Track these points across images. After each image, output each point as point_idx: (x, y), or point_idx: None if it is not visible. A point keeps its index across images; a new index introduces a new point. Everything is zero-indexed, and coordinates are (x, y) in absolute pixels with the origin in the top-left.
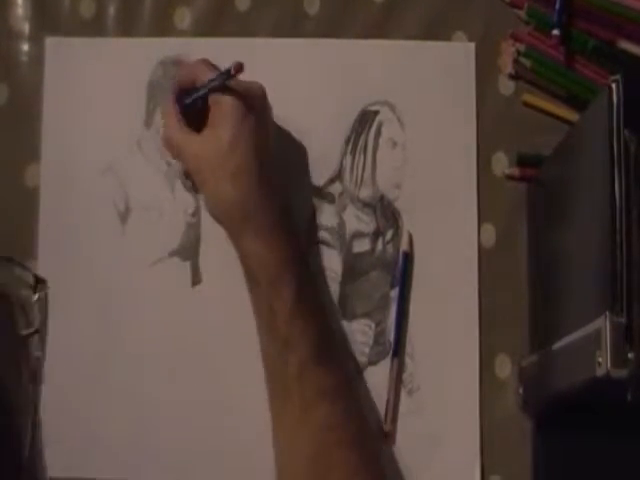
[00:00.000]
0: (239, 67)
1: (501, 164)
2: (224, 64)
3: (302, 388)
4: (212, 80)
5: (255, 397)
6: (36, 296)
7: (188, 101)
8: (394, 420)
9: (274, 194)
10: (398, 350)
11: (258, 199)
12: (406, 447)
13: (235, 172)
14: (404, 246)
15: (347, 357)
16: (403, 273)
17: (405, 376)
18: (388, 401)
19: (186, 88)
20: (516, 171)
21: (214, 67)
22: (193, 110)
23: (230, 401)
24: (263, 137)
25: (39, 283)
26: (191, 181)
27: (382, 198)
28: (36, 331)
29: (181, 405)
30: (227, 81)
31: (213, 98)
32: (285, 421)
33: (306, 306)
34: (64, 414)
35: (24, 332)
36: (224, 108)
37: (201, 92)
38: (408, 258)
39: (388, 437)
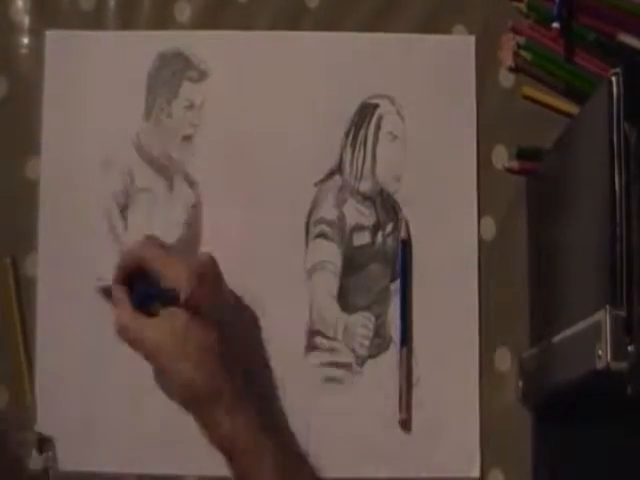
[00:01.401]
0: (187, 297)
1: (501, 157)
2: (224, 57)
3: None
4: (162, 292)
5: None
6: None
7: (139, 295)
8: (409, 408)
9: (237, 363)
10: (406, 339)
11: (224, 373)
12: (406, 440)
13: (195, 352)
14: (402, 234)
15: None
16: (402, 261)
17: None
18: (401, 389)
19: (134, 272)
20: (516, 164)
21: (159, 243)
22: (144, 297)
23: None
24: (218, 309)
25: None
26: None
27: (382, 191)
28: None
29: None
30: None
31: (170, 277)
32: None
33: (283, 475)
34: (62, 407)
35: None
36: (180, 284)
37: (152, 291)
38: (407, 247)
39: (404, 425)
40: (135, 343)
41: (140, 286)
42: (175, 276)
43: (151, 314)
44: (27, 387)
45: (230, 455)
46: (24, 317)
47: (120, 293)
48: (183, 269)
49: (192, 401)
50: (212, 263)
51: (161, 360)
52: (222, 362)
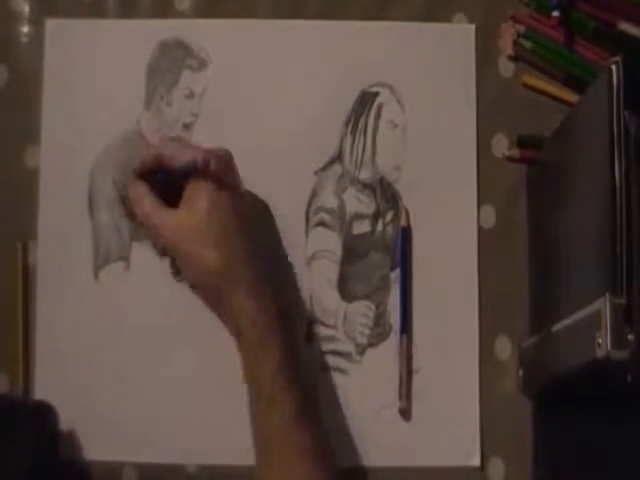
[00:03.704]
0: (206, 163)
1: (501, 146)
2: (224, 45)
3: (284, 447)
4: (181, 172)
5: None
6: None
7: (159, 184)
8: (409, 396)
9: (259, 250)
10: (406, 327)
11: (246, 259)
12: (406, 428)
13: (218, 237)
14: (402, 222)
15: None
16: (402, 250)
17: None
18: (401, 378)
19: (152, 168)
20: (516, 153)
21: (175, 139)
22: (163, 189)
23: (230, 378)
24: (238, 197)
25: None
26: (170, 261)
27: (382, 180)
28: None
29: (180, 384)
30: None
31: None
32: (268, 475)
33: (291, 364)
34: (60, 396)
35: None
36: (197, 181)
37: (172, 177)
38: (407, 235)
39: (404, 413)
40: (158, 234)
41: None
42: (192, 155)
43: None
44: (22, 375)
45: (246, 339)
46: (28, 304)
47: (141, 187)
48: (199, 149)
49: (213, 286)
50: (228, 154)
51: (183, 247)
52: (245, 247)
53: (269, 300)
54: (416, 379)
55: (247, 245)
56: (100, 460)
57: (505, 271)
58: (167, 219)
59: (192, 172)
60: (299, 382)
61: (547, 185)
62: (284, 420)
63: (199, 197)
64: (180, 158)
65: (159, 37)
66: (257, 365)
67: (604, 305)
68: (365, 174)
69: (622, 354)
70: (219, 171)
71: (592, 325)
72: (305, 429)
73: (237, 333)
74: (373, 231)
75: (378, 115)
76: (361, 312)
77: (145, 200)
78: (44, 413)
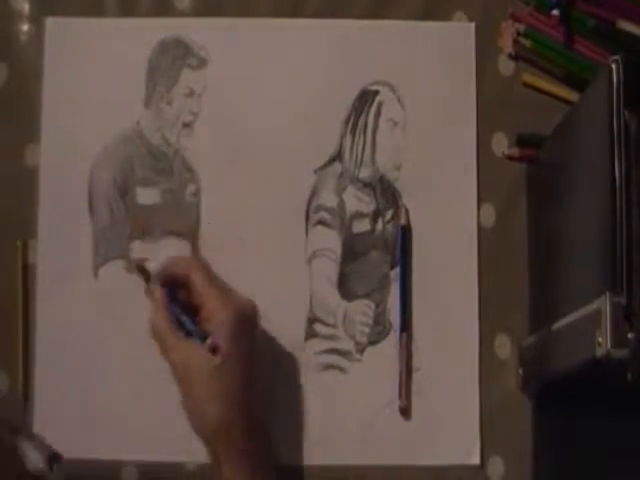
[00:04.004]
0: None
1: (501, 144)
2: (224, 44)
3: None
4: (195, 329)
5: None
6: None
7: (175, 310)
8: (408, 395)
9: (255, 414)
10: (406, 326)
11: (243, 423)
12: (406, 427)
13: (222, 394)
14: (402, 221)
15: None
16: (402, 249)
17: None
18: (401, 377)
19: (177, 282)
20: (516, 151)
21: (208, 268)
22: (182, 308)
23: None
24: (250, 358)
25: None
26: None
27: (382, 178)
28: None
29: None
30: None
31: (209, 310)
32: None
33: None
34: (60, 395)
35: None
36: (218, 325)
37: (187, 322)
38: (406, 233)
39: (403, 412)
40: (164, 353)
41: (181, 298)
42: (212, 313)
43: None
44: (21, 373)
45: None
46: (27, 302)
47: (160, 294)
48: (222, 310)
49: (210, 437)
50: (255, 314)
51: (187, 387)
52: (245, 411)
53: (260, 470)
54: (416, 377)
55: (248, 407)
56: (100, 459)
57: (505, 270)
58: (177, 345)
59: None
60: None
61: (547, 184)
62: None
63: (219, 336)
64: (204, 302)
65: (159, 36)
66: None
67: (604, 304)
68: (365, 173)
69: (622, 353)
70: (229, 352)
71: (592, 324)
72: None
73: None
74: (373, 230)
75: (378, 114)
76: (361, 311)
77: (160, 310)
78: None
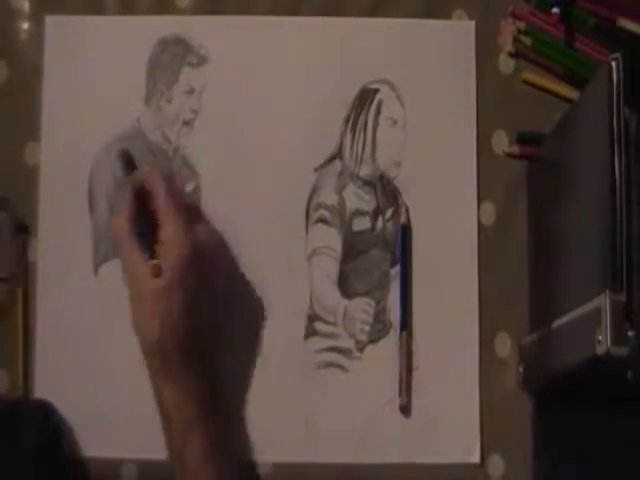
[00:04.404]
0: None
1: (501, 142)
2: (224, 42)
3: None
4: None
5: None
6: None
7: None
8: (408, 393)
9: (197, 338)
10: (406, 324)
11: (179, 343)
12: (406, 425)
13: (161, 314)
14: (402, 219)
15: None
16: (402, 247)
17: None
18: (401, 375)
19: (140, 197)
20: (516, 149)
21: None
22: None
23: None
24: (197, 294)
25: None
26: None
27: (382, 176)
28: None
29: None
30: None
31: (167, 234)
32: None
33: (216, 454)
34: (60, 393)
35: None
36: (169, 255)
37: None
38: (406, 232)
39: (403, 410)
40: (124, 264)
41: (141, 224)
42: (168, 240)
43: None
44: (21, 372)
45: (170, 422)
46: (28, 300)
47: (131, 195)
48: (177, 245)
49: (148, 351)
50: (210, 251)
51: (135, 298)
52: (183, 333)
53: (197, 391)
54: (416, 376)
55: (188, 330)
56: (100, 457)
57: (505, 268)
58: (135, 262)
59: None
60: (228, 469)
61: (547, 182)
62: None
63: (165, 269)
64: (162, 223)
65: (159, 34)
66: (179, 453)
67: (604, 302)
68: (365, 171)
69: (622, 351)
70: (179, 281)
71: (592, 322)
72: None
73: (160, 412)
74: (373, 228)
75: (378, 112)
76: (361, 309)
77: (127, 211)
78: (45, 412)
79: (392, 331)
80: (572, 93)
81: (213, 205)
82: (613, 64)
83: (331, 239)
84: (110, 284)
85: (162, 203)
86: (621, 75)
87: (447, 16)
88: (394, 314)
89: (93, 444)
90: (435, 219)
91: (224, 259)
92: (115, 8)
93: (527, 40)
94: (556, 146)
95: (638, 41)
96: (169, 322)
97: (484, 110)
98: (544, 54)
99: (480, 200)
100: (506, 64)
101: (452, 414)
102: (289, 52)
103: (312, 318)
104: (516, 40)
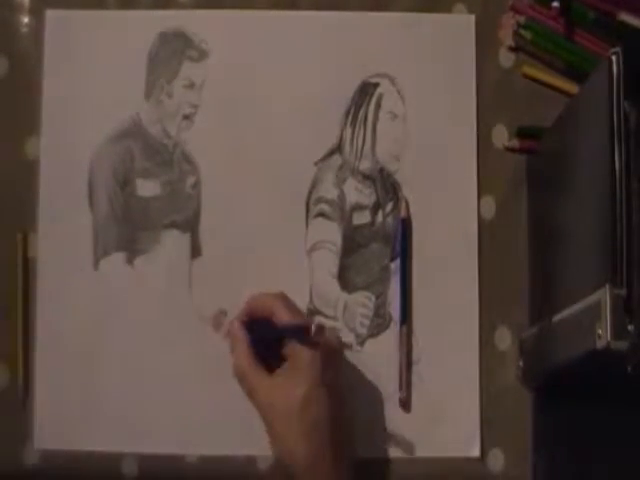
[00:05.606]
0: (320, 330)
1: (501, 136)
2: (224, 36)
3: None
4: (289, 329)
5: None
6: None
7: (260, 336)
8: (408, 387)
9: (343, 450)
10: (406, 318)
11: (330, 460)
12: (406, 419)
13: (307, 431)
14: (402, 213)
15: None
16: (402, 241)
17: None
18: (401, 369)
19: (257, 319)
20: (516, 143)
21: (292, 306)
22: (263, 345)
23: (231, 368)
24: (337, 392)
25: None
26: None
27: (382, 170)
28: None
29: (178, 376)
30: (303, 339)
31: (290, 343)
32: None
33: None
34: (61, 386)
35: None
36: (301, 359)
37: (276, 333)
38: (406, 226)
39: (404, 404)
40: (249, 393)
41: (261, 333)
42: (296, 348)
43: (269, 365)
44: (22, 366)
45: None
46: (28, 295)
47: (240, 331)
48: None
49: (296, 472)
50: (340, 347)
51: (272, 424)
52: (331, 447)
53: None
54: (416, 370)
55: (335, 443)
56: (100, 451)
57: (505, 262)
58: (260, 383)
59: (294, 336)
60: None
61: (547, 176)
62: None
63: (298, 379)
64: (287, 318)
65: (159, 28)
66: None
67: (604, 296)
68: (365, 165)
69: (622, 345)
70: (328, 341)
71: (592, 316)
72: None
73: None
74: (373, 222)
75: (378, 106)
76: (361, 303)
77: (241, 347)
78: None
79: (392, 325)
80: (572, 87)
81: (213, 199)
82: (613, 58)
83: (331, 233)
84: (110, 278)
85: (285, 319)
86: (621, 69)
87: (447, 10)
88: (394, 308)
89: (93, 438)
90: (435, 213)
91: None
92: (115, 2)
93: (527, 34)
94: (556, 140)
95: (638, 35)
96: (318, 436)
97: (484, 104)
98: (544, 48)
99: (480, 194)
100: (506, 58)
101: (452, 408)
102: (289, 46)
103: (312, 312)
104: (516, 34)
